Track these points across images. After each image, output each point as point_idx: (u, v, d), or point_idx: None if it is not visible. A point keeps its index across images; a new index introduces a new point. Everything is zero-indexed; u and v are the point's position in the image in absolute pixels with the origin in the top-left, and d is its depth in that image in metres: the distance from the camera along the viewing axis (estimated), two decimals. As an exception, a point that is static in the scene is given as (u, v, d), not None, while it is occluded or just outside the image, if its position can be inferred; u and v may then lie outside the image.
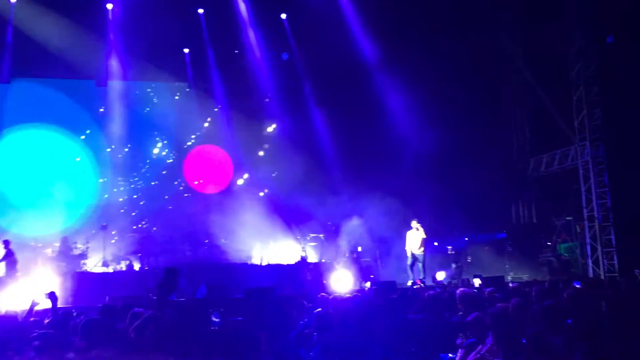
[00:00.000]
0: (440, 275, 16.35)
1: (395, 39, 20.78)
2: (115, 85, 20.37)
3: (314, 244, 19.00)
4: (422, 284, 14.12)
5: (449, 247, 19.70)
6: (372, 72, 20.86)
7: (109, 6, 19.14)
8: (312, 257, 18.72)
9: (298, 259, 18.18)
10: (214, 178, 21.94)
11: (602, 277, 15.39)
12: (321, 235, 19.21)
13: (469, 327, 6.44)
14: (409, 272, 15.88)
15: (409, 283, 15.22)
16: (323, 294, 10.34)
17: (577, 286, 8.54)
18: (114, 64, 19.95)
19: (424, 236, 16.16)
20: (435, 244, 20.60)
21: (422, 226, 16.26)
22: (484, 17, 19.96)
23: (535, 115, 18.81)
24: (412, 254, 16.02)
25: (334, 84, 21.93)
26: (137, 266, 16.89)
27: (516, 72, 19.58)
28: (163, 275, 6.39)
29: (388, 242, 18.22)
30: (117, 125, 20.34)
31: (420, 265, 15.93)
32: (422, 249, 16.06)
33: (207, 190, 21.61)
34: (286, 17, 21.18)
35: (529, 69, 18.64)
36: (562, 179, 18.11)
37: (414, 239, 16.10)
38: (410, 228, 16.24)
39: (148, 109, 21.73)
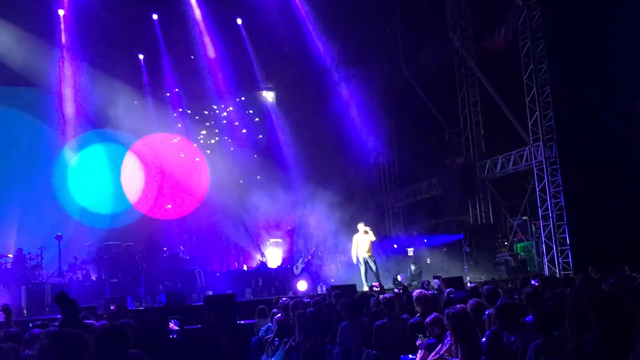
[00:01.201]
0: (400, 278, 16.42)
1: (351, 46, 20.98)
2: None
3: (274, 248, 18.97)
4: (380, 287, 13.97)
5: (409, 249, 19.89)
6: (328, 76, 21.02)
7: (61, 12, 18.82)
8: (273, 262, 18.68)
9: (257, 263, 18.14)
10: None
11: (558, 274, 15.67)
12: (280, 240, 19.19)
13: (428, 328, 6.50)
14: (364, 278, 15.25)
15: (365, 288, 14.81)
16: (284, 298, 10.31)
17: (535, 284, 8.67)
18: (67, 70, 19.59)
19: (374, 239, 15.60)
20: (395, 246, 20.79)
21: (372, 229, 15.69)
22: (437, 23, 20.30)
23: (490, 117, 19.09)
24: (364, 259, 15.35)
25: (291, 86, 22.04)
26: (93, 276, 16.60)
27: (471, 75, 19.89)
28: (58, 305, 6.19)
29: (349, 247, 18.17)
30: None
31: (374, 268, 15.31)
32: (371, 252, 15.46)
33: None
34: (242, 22, 21.17)
35: (483, 72, 18.92)
36: (517, 180, 18.42)
37: (363, 242, 15.41)
38: (357, 231, 15.63)
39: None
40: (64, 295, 6.23)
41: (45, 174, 19.53)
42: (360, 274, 15.42)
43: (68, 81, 19.62)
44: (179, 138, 22.31)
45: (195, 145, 22.47)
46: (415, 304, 7.90)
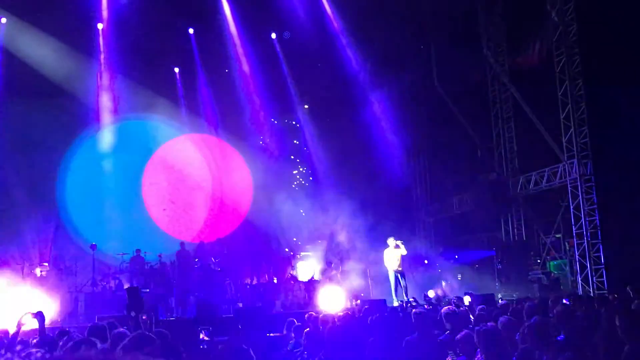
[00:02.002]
0: (432, 293, 16.30)
1: (384, 59, 21.05)
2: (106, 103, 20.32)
3: (305, 261, 18.96)
4: (414, 302, 13.88)
5: (441, 265, 19.79)
6: (360, 90, 21.10)
7: (100, 26, 19.24)
8: (304, 275, 18.68)
9: (288, 276, 18.15)
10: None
11: (592, 294, 15.42)
12: (310, 253, 19.18)
13: (459, 345, 6.45)
14: (394, 294, 15.24)
15: (396, 304, 14.77)
16: (312, 312, 10.30)
17: (566, 302, 8.56)
18: (105, 83, 20.00)
19: (405, 253, 15.61)
20: (426, 261, 20.67)
21: (404, 243, 15.76)
22: (472, 38, 20.25)
23: (524, 133, 18.94)
24: (394, 273, 15.41)
25: (324, 100, 22.16)
26: (126, 285, 16.79)
27: (505, 91, 19.76)
28: (126, 296, 6.31)
29: (379, 261, 18.08)
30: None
31: (402, 284, 15.31)
32: (401, 267, 15.48)
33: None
34: (276, 36, 21.39)
35: (517, 88, 18.81)
36: (551, 197, 18.21)
37: (393, 257, 15.45)
38: (387, 246, 15.64)
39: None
40: (136, 290, 6.39)
41: (80, 185, 19.88)
42: (391, 289, 15.39)
43: (105, 93, 20.01)
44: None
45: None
46: (444, 321, 7.85)
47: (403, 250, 15.52)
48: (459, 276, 19.85)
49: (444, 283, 17.40)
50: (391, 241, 15.61)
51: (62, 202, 19.47)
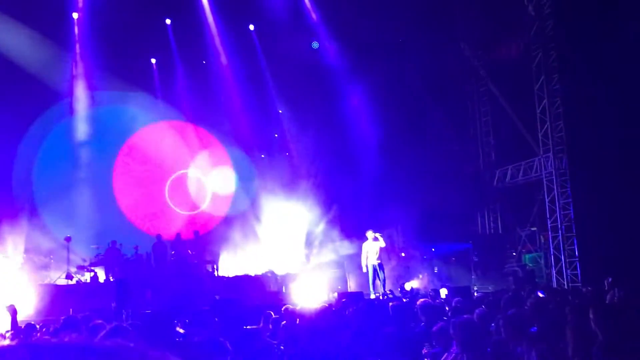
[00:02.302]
0: (408, 286, 16.39)
1: (362, 52, 21.05)
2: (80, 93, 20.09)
3: (282, 255, 18.94)
4: (390, 295, 13.93)
5: (424, 257, 19.92)
6: (340, 85, 21.09)
7: (75, 15, 18.97)
8: (280, 268, 18.67)
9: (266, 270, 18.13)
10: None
11: (566, 286, 15.61)
12: (287, 245, 19.17)
13: (434, 337, 6.49)
14: (371, 287, 15.21)
15: (373, 296, 14.70)
16: (289, 305, 10.30)
17: (540, 295, 8.66)
18: (79, 73, 19.75)
19: (384, 245, 15.64)
20: (403, 254, 20.77)
21: (382, 236, 15.74)
22: (448, 32, 20.32)
23: (501, 127, 19.07)
24: (373, 266, 15.36)
25: (302, 94, 22.10)
26: (102, 278, 16.66)
27: (482, 85, 19.87)
28: (114, 288, 6.28)
29: (356, 254, 18.10)
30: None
31: (381, 277, 15.27)
32: (380, 260, 15.46)
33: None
34: (254, 28, 21.29)
35: (494, 82, 18.94)
36: (526, 190, 18.38)
37: (372, 250, 15.42)
38: (366, 239, 15.64)
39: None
40: (124, 282, 6.34)
41: (54, 175, 19.65)
42: (369, 281, 15.42)
43: (80, 83, 19.77)
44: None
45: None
46: (419, 313, 7.89)
47: (382, 243, 15.51)
48: (436, 269, 20.00)
49: (420, 276, 17.49)
50: (370, 234, 15.57)
51: (36, 193, 19.23)
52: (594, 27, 15.58)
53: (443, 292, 11.69)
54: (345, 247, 18.25)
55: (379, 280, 15.32)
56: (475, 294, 12.44)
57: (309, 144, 21.33)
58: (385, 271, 15.65)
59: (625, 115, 15.70)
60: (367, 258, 15.46)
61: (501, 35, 18.87)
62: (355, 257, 17.28)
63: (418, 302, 8.06)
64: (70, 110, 19.97)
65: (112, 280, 16.07)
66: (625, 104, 15.62)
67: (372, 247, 15.45)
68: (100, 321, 6.62)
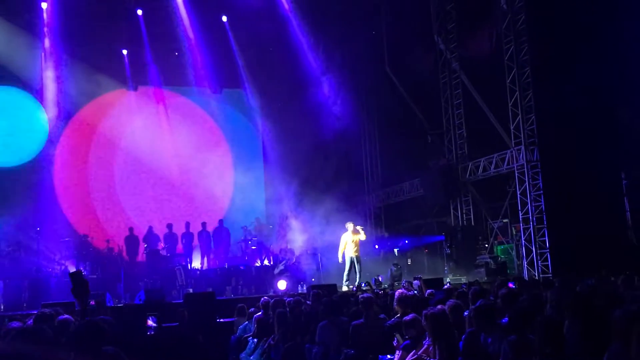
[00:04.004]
0: (382, 278, 16.46)
1: (335, 41, 21.09)
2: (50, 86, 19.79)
3: (254, 247, 18.88)
4: (365, 287, 13.95)
5: (395, 250, 20.02)
6: (314, 77, 21.14)
7: (44, 5, 18.65)
8: (255, 260, 18.62)
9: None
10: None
11: (537, 277, 15.78)
12: (255, 239, 19.09)
13: (406, 328, 6.52)
14: (345, 278, 15.24)
15: (345, 289, 14.70)
16: (265, 297, 10.28)
17: (511, 287, 8.74)
18: (50, 65, 19.44)
19: (364, 238, 15.71)
20: (376, 247, 20.86)
21: (364, 229, 15.89)
22: (422, 23, 20.40)
23: (473, 120, 19.17)
24: (350, 258, 15.36)
25: (274, 84, 22.09)
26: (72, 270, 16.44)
27: (454, 78, 19.95)
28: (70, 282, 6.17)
29: (330, 246, 18.06)
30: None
31: (357, 269, 15.30)
32: (359, 252, 15.48)
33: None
34: (227, 19, 21.15)
35: (467, 75, 19.04)
36: (498, 182, 18.51)
37: (351, 241, 15.41)
38: (345, 230, 15.64)
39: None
40: (79, 274, 6.23)
41: (22, 167, 19.41)
42: (344, 273, 15.42)
43: (49, 74, 19.45)
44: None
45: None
46: (395, 305, 7.92)
47: (362, 236, 15.57)
48: (409, 261, 20.11)
49: (394, 267, 17.54)
50: (350, 225, 15.59)
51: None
52: (565, 20, 15.74)
53: (416, 284, 11.75)
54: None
55: (355, 272, 15.34)
56: (448, 285, 12.50)
57: (283, 135, 21.34)
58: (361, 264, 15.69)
59: (596, 108, 15.92)
60: (344, 249, 15.46)
61: (475, 28, 18.96)
62: (328, 250, 17.34)
63: (395, 294, 8.10)
64: (41, 102, 19.66)
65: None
66: (596, 97, 15.83)
67: (352, 239, 15.45)
68: (67, 316, 6.52)
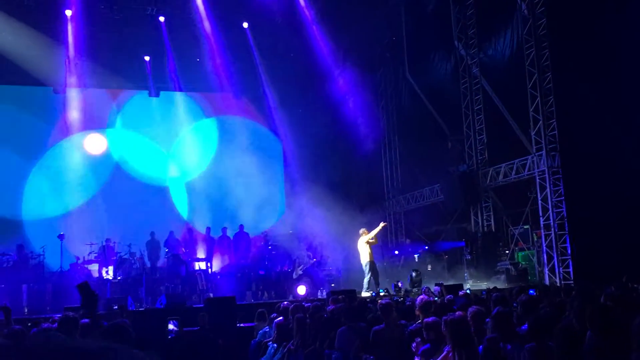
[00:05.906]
0: (401, 284, 16.42)
1: (356, 48, 21.14)
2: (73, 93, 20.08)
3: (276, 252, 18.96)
4: (384, 293, 13.92)
5: (415, 255, 19.97)
6: (332, 81, 21.21)
7: (68, 13, 18.91)
8: (275, 265, 18.68)
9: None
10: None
11: (558, 284, 15.65)
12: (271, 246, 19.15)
13: (426, 330, 6.51)
14: (366, 285, 15.18)
15: (366, 294, 14.58)
16: (282, 303, 10.33)
17: (532, 294, 8.70)
18: (73, 70, 19.71)
19: (376, 242, 15.75)
20: (396, 252, 20.82)
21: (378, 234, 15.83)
22: (443, 28, 20.37)
23: (494, 125, 19.08)
24: (367, 264, 15.28)
25: (295, 90, 22.16)
26: (95, 276, 16.65)
27: (475, 83, 19.88)
28: (79, 294, 6.24)
29: (350, 252, 18.02)
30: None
31: (375, 274, 15.26)
32: (372, 258, 15.43)
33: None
34: (248, 25, 21.27)
35: (487, 80, 18.98)
36: (519, 188, 18.39)
37: (366, 247, 15.36)
38: (359, 237, 15.57)
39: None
40: (86, 286, 6.32)
41: (47, 172, 19.68)
42: (364, 279, 15.43)
43: (73, 81, 19.73)
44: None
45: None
46: (417, 311, 7.91)
47: (364, 237, 15.51)
48: (429, 267, 20.03)
49: (413, 273, 17.49)
50: (364, 231, 15.60)
51: (29, 190, 19.25)
52: (587, 25, 15.63)
53: (436, 290, 11.73)
54: None
55: (373, 278, 15.33)
56: (468, 291, 12.46)
57: (304, 143, 21.41)
58: (378, 269, 15.69)
59: (618, 113, 15.76)
60: (362, 255, 15.46)
61: (495, 34, 18.90)
62: (348, 256, 17.36)
63: (417, 300, 8.10)
64: (64, 108, 19.95)
65: (105, 279, 16.08)
66: (618, 102, 15.68)
67: (366, 245, 15.45)
68: (87, 320, 6.61)
